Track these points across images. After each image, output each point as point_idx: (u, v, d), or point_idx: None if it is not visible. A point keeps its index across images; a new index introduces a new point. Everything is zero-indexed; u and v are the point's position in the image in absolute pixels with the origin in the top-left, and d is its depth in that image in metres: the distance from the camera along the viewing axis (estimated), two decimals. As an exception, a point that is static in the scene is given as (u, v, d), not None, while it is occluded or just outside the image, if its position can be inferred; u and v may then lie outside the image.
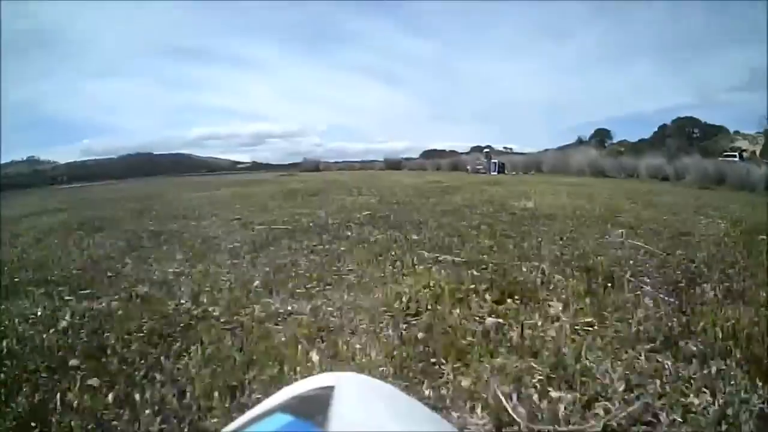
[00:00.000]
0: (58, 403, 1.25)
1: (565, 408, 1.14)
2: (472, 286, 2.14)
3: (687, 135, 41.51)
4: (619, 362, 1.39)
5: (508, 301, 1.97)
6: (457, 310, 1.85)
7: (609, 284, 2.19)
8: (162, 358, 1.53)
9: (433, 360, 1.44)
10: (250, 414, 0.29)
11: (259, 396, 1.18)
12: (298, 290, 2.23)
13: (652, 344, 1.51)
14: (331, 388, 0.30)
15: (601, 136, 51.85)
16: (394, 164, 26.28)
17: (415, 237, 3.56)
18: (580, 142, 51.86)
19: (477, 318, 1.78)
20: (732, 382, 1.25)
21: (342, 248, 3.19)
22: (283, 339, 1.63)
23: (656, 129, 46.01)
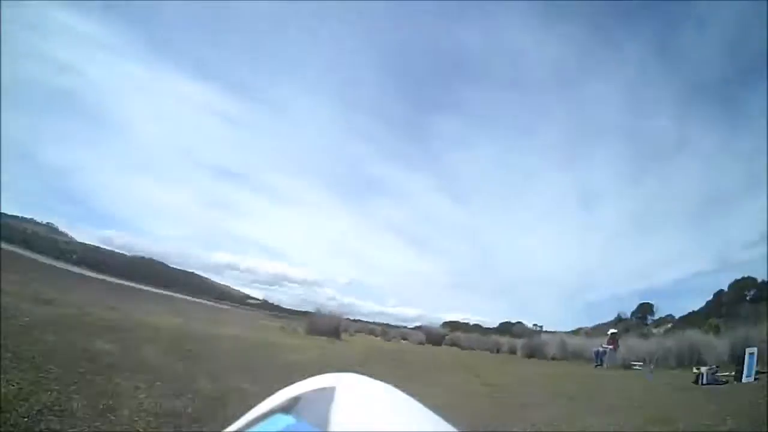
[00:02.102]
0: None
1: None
2: None
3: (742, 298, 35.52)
4: None
5: None
6: None
7: None
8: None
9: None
10: (250, 415, 0.29)
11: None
12: None
13: None
14: (331, 389, 0.30)
15: (644, 311, 45.03)
16: (434, 338, 21.16)
17: None
18: (619, 319, 46.85)
19: None
20: None
21: None
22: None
23: (711, 297, 40.46)
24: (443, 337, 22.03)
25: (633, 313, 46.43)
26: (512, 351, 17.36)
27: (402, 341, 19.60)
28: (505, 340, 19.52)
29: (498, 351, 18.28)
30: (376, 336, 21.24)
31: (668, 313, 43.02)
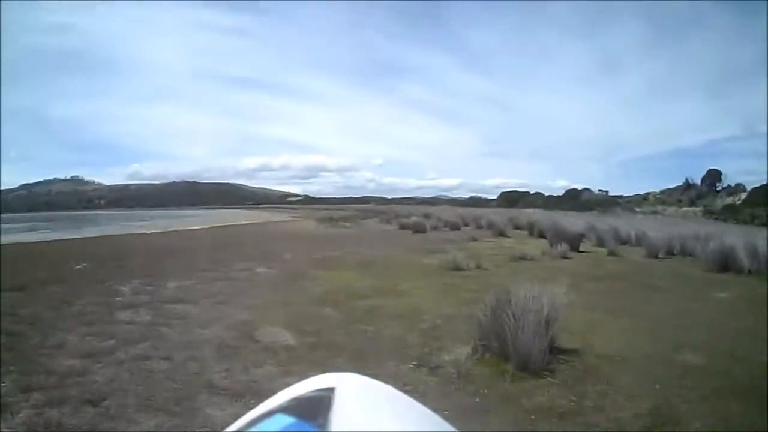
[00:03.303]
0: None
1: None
2: None
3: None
4: None
5: None
6: None
7: None
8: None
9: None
10: (250, 415, 0.29)
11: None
12: None
13: None
14: (331, 389, 0.30)
15: (713, 178, 43.93)
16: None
17: None
18: (688, 185, 46.10)
19: None
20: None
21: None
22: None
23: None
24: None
25: (702, 180, 44.74)
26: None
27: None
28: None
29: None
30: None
31: (737, 182, 41.09)
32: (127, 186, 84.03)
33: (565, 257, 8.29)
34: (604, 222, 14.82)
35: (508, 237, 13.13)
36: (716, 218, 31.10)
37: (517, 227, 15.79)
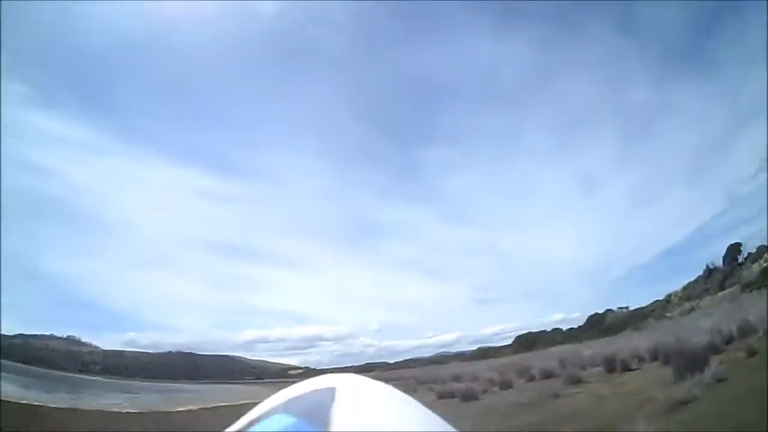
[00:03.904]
0: None
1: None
2: None
3: None
4: None
5: None
6: None
7: None
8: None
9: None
10: (251, 415, 0.28)
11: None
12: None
13: None
14: (332, 389, 0.30)
15: (734, 253, 39.52)
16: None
17: None
18: (709, 271, 41.32)
19: None
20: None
21: None
22: None
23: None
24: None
25: (723, 259, 41.15)
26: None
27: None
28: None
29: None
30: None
31: (760, 244, 36.45)
32: (122, 352, 79.67)
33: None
34: (664, 338, 13.17)
35: (588, 382, 9.94)
36: (756, 288, 27.65)
37: (582, 365, 12.00)
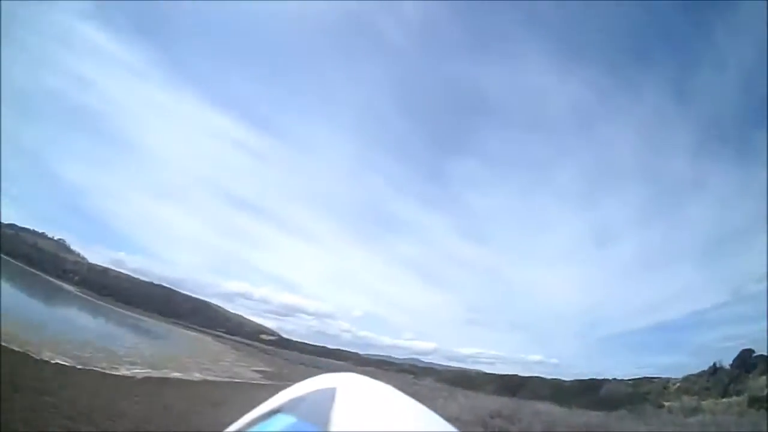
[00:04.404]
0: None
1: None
2: None
3: None
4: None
5: None
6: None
7: None
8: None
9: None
10: (252, 415, 0.29)
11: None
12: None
13: None
14: (332, 389, 0.31)
15: (746, 358, 36.28)
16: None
17: None
18: (714, 371, 37.82)
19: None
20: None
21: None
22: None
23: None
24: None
25: (733, 362, 37.71)
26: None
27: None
28: None
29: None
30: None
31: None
32: (106, 270, 79.70)
33: None
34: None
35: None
36: (764, 407, 25.19)
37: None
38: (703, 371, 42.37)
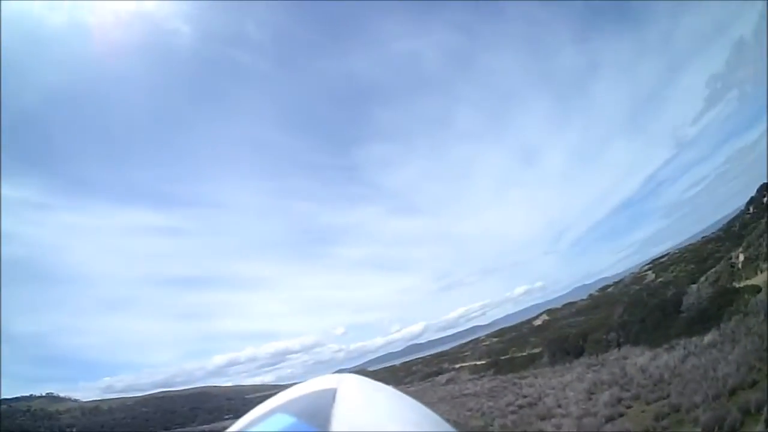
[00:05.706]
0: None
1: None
2: None
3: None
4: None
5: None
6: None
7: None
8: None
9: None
10: (252, 415, 0.29)
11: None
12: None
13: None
14: (332, 389, 0.31)
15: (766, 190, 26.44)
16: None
17: None
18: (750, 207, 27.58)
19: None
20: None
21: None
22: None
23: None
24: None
25: (748, 204, 29.19)
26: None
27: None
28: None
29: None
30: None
31: None
32: (99, 406, 76.12)
33: None
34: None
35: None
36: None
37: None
38: (735, 215, 34.59)
